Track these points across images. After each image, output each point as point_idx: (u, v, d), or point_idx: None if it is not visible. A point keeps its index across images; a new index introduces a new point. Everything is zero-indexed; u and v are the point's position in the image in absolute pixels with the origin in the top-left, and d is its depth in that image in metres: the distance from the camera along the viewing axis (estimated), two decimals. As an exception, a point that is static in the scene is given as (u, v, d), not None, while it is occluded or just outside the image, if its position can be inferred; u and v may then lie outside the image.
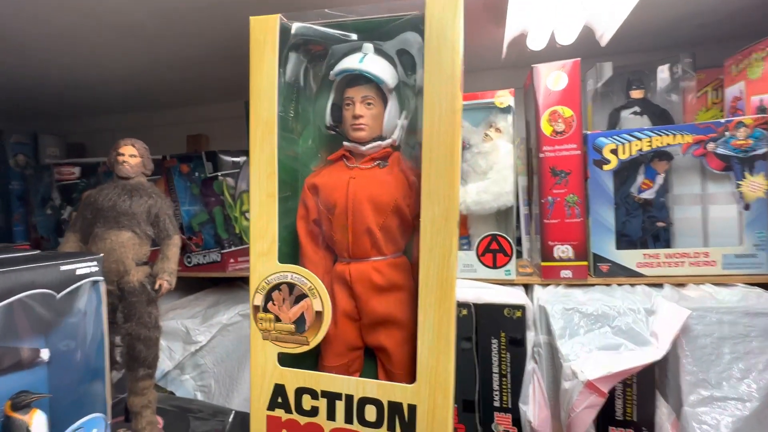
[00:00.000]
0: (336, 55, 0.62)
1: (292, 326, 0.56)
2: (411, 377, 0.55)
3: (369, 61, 0.59)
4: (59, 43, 0.98)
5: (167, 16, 0.87)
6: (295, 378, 0.58)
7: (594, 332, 0.75)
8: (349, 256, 0.62)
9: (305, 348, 0.57)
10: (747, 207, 0.82)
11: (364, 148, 0.61)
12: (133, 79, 1.28)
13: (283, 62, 0.59)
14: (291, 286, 0.56)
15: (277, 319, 0.57)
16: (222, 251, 1.16)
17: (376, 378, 0.63)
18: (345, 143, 0.63)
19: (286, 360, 0.60)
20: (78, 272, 0.49)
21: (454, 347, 0.52)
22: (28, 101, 1.47)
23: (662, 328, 0.70)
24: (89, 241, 0.63)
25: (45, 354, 0.53)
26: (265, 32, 0.56)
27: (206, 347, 1.04)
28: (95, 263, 0.51)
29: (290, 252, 0.64)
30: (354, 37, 0.60)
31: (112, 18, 0.87)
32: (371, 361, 0.67)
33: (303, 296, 0.56)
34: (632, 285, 0.86)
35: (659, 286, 0.85)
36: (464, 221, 1.00)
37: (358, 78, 0.60)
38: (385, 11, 0.57)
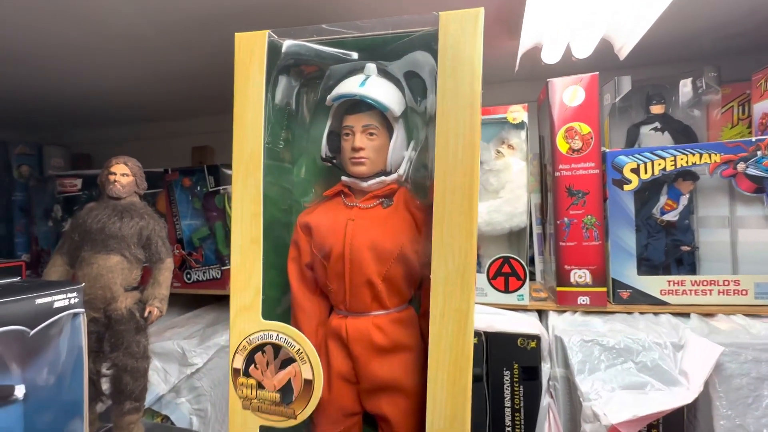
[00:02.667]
0: (334, 76, 0.53)
1: (277, 395, 0.48)
2: (419, 453, 0.47)
3: (371, 85, 0.51)
4: (65, 55, 0.98)
5: (172, 28, 0.85)
6: (281, 455, 0.48)
7: (616, 368, 0.69)
8: (346, 309, 0.53)
9: (292, 423, 0.48)
10: (782, 232, 0.76)
11: (365, 184, 0.53)
12: (138, 90, 1.26)
13: (272, 85, 0.51)
14: (276, 348, 0.47)
15: (260, 386, 0.48)
16: (222, 268, 1.12)
17: None
18: (343, 178, 0.55)
19: (270, 432, 0.51)
20: (56, 305, 0.45)
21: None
22: (34, 112, 1.47)
23: (693, 366, 0.64)
24: (76, 265, 0.60)
25: (20, 391, 0.49)
26: (251, 51, 0.48)
27: (203, 369, 0.99)
28: (75, 294, 0.47)
29: (281, 297, 0.56)
30: (355, 56, 0.52)
31: (116, 30, 0.86)
32: (371, 428, 0.57)
33: (290, 360, 0.47)
34: (656, 314, 0.80)
35: (685, 315, 0.79)
36: (474, 241, 0.95)
37: (359, 104, 0.52)
38: (392, 27, 0.48)
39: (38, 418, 0.51)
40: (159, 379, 0.98)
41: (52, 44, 0.91)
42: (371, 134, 0.53)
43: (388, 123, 0.54)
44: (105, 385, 0.65)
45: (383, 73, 0.53)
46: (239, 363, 0.49)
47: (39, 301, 0.44)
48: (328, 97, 0.53)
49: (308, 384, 0.47)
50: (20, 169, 1.45)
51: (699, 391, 0.61)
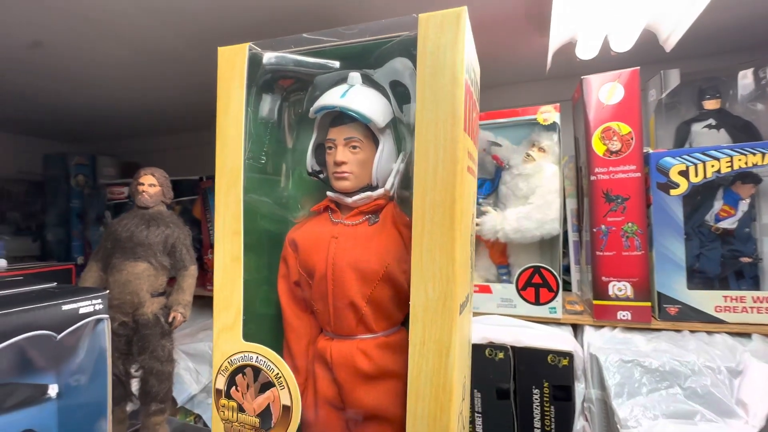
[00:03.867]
0: (320, 87, 0.51)
1: (257, 420, 0.46)
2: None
3: (353, 95, 0.48)
4: (114, 73, 1.07)
5: (203, 45, 0.90)
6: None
7: (660, 393, 0.62)
8: (331, 330, 0.50)
9: None
10: None
11: (350, 200, 0.50)
12: (177, 102, 1.34)
13: (255, 98, 0.49)
14: (256, 371, 0.45)
15: (241, 409, 0.46)
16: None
17: None
18: (329, 193, 0.52)
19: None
20: (81, 311, 0.48)
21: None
22: (88, 125, 1.60)
23: (753, 395, 0.57)
24: (108, 271, 0.63)
25: (53, 390, 0.52)
26: (232, 65, 0.46)
27: (232, 372, 1.02)
28: (99, 301, 0.50)
29: (273, 314, 0.54)
30: (336, 65, 0.49)
31: (156, 48, 0.92)
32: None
33: (270, 384, 0.45)
34: (709, 333, 0.72)
35: (745, 336, 0.70)
36: (503, 250, 0.90)
37: (342, 116, 0.49)
38: (370, 33, 0.45)
39: (70, 416, 0.54)
40: (191, 379, 1.02)
41: (102, 63, 0.99)
42: (354, 147, 0.50)
43: (373, 135, 0.51)
44: (135, 386, 0.68)
45: (369, 81, 0.50)
46: (221, 384, 0.48)
47: (65, 307, 0.46)
48: (311, 109, 0.50)
49: (287, 410, 0.45)
50: (77, 178, 1.57)
51: (761, 425, 0.54)
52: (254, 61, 0.48)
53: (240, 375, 0.47)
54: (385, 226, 0.49)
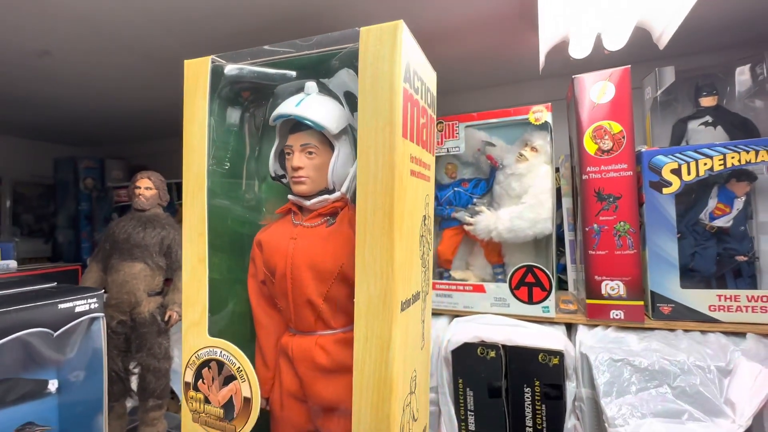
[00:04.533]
0: (281, 96, 0.53)
1: (221, 411, 0.48)
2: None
3: (307, 104, 0.50)
4: (121, 78, 1.10)
5: (205, 51, 0.93)
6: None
7: (649, 392, 0.62)
8: (293, 327, 0.53)
9: None
10: None
11: (308, 203, 0.53)
12: (180, 105, 1.37)
13: (218, 107, 0.51)
14: (220, 364, 0.48)
15: (207, 401, 0.49)
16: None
17: None
18: (290, 196, 0.55)
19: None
20: (77, 309, 0.50)
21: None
22: (97, 129, 1.64)
23: (741, 395, 0.56)
24: (107, 271, 0.66)
25: (53, 385, 0.55)
26: (196, 77, 0.49)
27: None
28: (95, 300, 0.52)
29: (247, 312, 0.56)
30: (293, 74, 0.52)
31: (158, 56, 0.95)
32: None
33: (232, 377, 0.47)
34: (703, 332, 0.71)
35: (739, 335, 0.69)
36: (498, 249, 0.91)
37: (299, 123, 0.52)
38: (325, 45, 0.47)
39: (70, 410, 0.56)
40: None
41: (110, 69, 1.03)
42: (310, 153, 0.52)
43: (329, 141, 0.53)
44: (134, 383, 0.71)
45: (325, 90, 0.52)
46: (189, 377, 0.50)
47: (61, 306, 0.48)
48: (270, 117, 0.53)
49: (247, 402, 0.47)
50: (85, 181, 1.62)
51: (747, 425, 0.53)
52: (216, 73, 0.50)
53: (206, 368, 0.49)
54: (341, 227, 0.51)
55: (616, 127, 0.76)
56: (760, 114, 0.85)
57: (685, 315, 0.73)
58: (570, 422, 0.70)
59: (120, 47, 0.90)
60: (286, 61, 0.50)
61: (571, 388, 0.71)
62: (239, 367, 0.48)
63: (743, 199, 0.75)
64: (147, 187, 0.68)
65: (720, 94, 0.86)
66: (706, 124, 0.86)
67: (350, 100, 0.52)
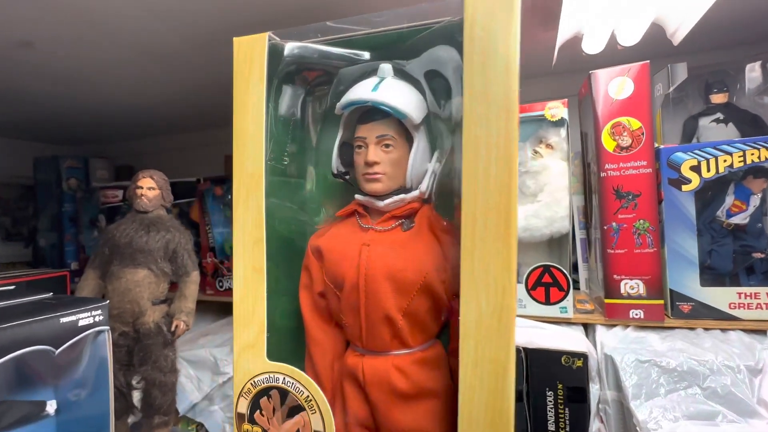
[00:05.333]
0: (344, 81, 0.46)
1: None
2: None
3: (386, 89, 0.43)
4: (106, 73, 1.03)
5: (200, 41, 0.87)
6: None
7: (678, 393, 0.61)
8: (362, 346, 0.46)
9: None
10: None
11: (381, 203, 0.46)
12: (173, 102, 1.31)
13: (275, 94, 0.44)
14: (283, 393, 0.41)
15: None
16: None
17: None
18: (357, 196, 0.48)
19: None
20: (81, 323, 0.45)
21: None
22: (80, 127, 1.56)
23: (774, 395, 0.55)
24: (106, 279, 0.61)
25: (51, 407, 0.50)
26: (250, 57, 0.41)
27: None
28: (99, 312, 0.47)
29: (294, 327, 0.49)
30: (366, 56, 0.45)
31: (150, 47, 0.89)
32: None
33: (299, 408, 0.41)
34: (723, 330, 0.71)
35: (760, 332, 0.69)
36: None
37: (373, 112, 0.45)
38: (407, 20, 0.40)
39: (70, 431, 0.51)
40: (192, 387, 0.99)
41: (94, 62, 0.96)
42: (387, 146, 0.46)
43: (407, 132, 0.46)
44: (137, 397, 0.66)
45: (400, 74, 0.46)
46: (243, 407, 0.43)
47: (64, 320, 0.44)
48: (338, 104, 0.46)
49: None
50: (69, 181, 1.53)
51: (784, 425, 0.53)
52: (273, 53, 0.43)
53: (265, 398, 0.43)
54: (421, 232, 0.45)
55: (635, 124, 0.74)
56: (768, 111, 0.85)
57: (704, 313, 0.72)
58: (594, 426, 0.68)
59: (109, 39, 0.84)
60: (356, 39, 0.44)
61: (594, 390, 0.69)
62: (308, 397, 0.41)
63: (760, 196, 0.75)
64: (150, 187, 0.63)
65: (730, 91, 0.86)
66: (717, 121, 0.86)
67: (433, 84, 0.46)
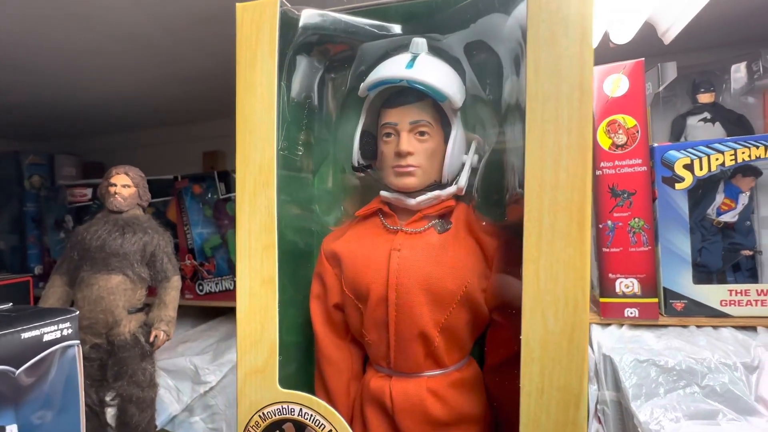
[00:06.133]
0: (368, 58, 0.39)
1: None
2: None
3: (422, 66, 0.36)
4: (72, 61, 0.95)
5: (177, 27, 0.81)
6: None
7: (678, 393, 0.61)
8: (389, 366, 0.39)
9: None
10: None
11: (413, 201, 0.40)
12: (148, 94, 1.23)
13: (287, 71, 0.37)
14: (300, 427, 0.35)
15: None
16: (236, 278, 1.08)
17: None
18: (383, 193, 0.41)
19: None
20: (46, 338, 0.40)
21: None
22: (44, 121, 1.45)
23: (772, 392, 0.56)
24: (75, 286, 0.55)
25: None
26: (258, 25, 0.34)
27: (216, 387, 0.94)
28: (68, 325, 0.42)
29: (303, 343, 0.43)
30: (397, 29, 0.37)
31: (122, 33, 0.83)
32: None
33: None
34: (715, 327, 0.72)
35: (750, 329, 0.70)
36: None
37: (404, 94, 0.39)
38: None
39: (34, 459, 0.45)
40: (171, 399, 0.93)
41: (58, 50, 0.89)
42: (422, 134, 0.38)
43: (444, 118, 0.39)
44: (111, 415, 0.60)
45: (435, 51, 0.38)
46: None
47: (26, 335, 0.38)
48: (362, 84, 0.38)
49: None
50: (31, 179, 1.43)
51: (784, 423, 0.53)
52: (286, 24, 0.36)
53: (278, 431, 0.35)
54: (459, 234, 0.39)
55: (630, 122, 0.74)
56: (753, 110, 0.87)
57: (696, 311, 0.73)
58: (593, 427, 0.67)
59: (77, 23, 0.77)
60: (384, 8, 0.36)
61: (592, 391, 0.68)
62: (330, 431, 0.34)
63: (748, 194, 0.76)
64: (125, 185, 0.58)
65: (717, 90, 0.87)
66: (704, 120, 0.88)
67: (477, 60, 0.39)
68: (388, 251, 0.39)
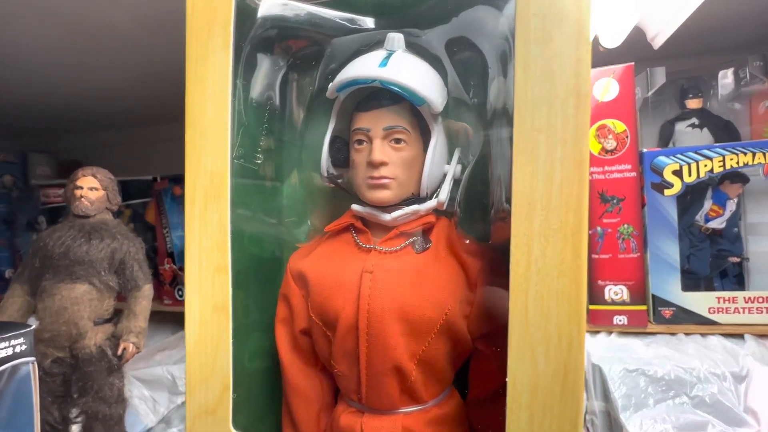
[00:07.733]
0: (338, 55, 0.35)
1: None
2: None
3: (397, 64, 0.33)
4: (48, 57, 0.91)
5: (157, 22, 0.78)
6: None
7: (667, 403, 0.60)
8: (360, 401, 0.35)
9: None
10: None
11: (388, 216, 0.36)
12: (128, 92, 1.19)
13: (244, 68, 0.33)
14: None
15: None
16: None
17: None
18: (354, 207, 0.37)
19: None
20: (-5, 356, 0.37)
21: None
22: (17, 118, 1.39)
23: (762, 402, 0.55)
24: (36, 296, 0.51)
25: (-42, 459, 0.40)
26: (209, 14, 0.30)
27: (196, 397, 0.91)
28: (22, 340, 0.38)
29: (271, 368, 0.39)
30: (370, 23, 0.34)
31: (101, 29, 0.79)
32: None
33: None
34: (703, 335, 0.71)
35: (737, 336, 0.69)
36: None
37: (378, 95, 0.35)
38: None
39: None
40: (147, 410, 0.89)
41: (33, 45, 0.85)
42: (398, 141, 0.34)
43: (422, 124, 0.36)
44: (76, 432, 0.56)
45: (414, 48, 0.34)
46: None
47: (-29, 353, 0.35)
48: (331, 84, 0.34)
49: None
50: (3, 178, 1.37)
51: (773, 435, 0.52)
52: (244, 13, 0.31)
53: None
54: (439, 254, 0.35)
55: (620, 126, 0.73)
56: (738, 116, 0.87)
57: (684, 318, 0.72)
58: (582, 437, 0.66)
59: (52, 16, 0.73)
60: (356, 1, 0.32)
61: (581, 400, 0.67)
62: None
63: (735, 200, 0.76)
64: (91, 187, 0.54)
65: (705, 96, 0.87)
66: (692, 126, 0.88)
67: (461, 59, 0.35)
68: (359, 273, 0.35)
